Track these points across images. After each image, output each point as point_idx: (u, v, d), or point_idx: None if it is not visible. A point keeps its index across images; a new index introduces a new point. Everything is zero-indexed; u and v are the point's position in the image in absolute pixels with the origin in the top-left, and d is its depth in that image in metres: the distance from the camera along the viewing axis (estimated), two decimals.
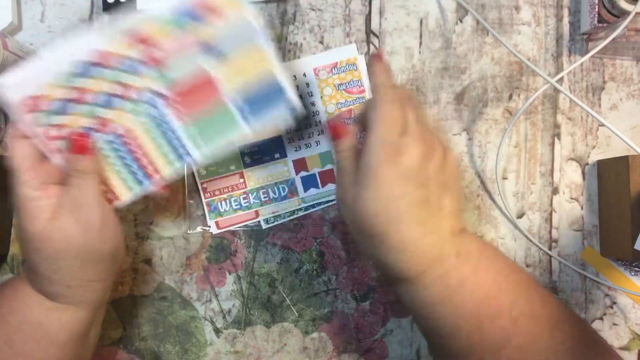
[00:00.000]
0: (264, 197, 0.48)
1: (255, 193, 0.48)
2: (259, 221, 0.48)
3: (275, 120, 0.40)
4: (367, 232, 0.34)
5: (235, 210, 0.48)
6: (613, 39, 0.43)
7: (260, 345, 0.48)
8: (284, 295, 0.49)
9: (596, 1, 0.46)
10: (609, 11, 0.46)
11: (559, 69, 0.50)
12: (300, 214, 0.48)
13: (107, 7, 0.49)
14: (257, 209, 0.48)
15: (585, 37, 0.49)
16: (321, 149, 0.49)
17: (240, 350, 0.48)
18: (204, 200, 0.48)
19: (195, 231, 0.48)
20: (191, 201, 0.48)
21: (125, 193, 0.40)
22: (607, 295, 0.48)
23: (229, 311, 0.48)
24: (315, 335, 0.48)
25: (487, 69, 0.50)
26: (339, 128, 0.37)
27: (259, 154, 0.48)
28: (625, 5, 0.45)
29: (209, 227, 0.48)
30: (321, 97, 0.49)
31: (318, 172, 0.49)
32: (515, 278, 0.36)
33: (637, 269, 0.48)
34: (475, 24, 0.50)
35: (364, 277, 0.49)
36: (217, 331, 0.48)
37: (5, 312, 0.37)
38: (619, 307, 0.48)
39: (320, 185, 0.49)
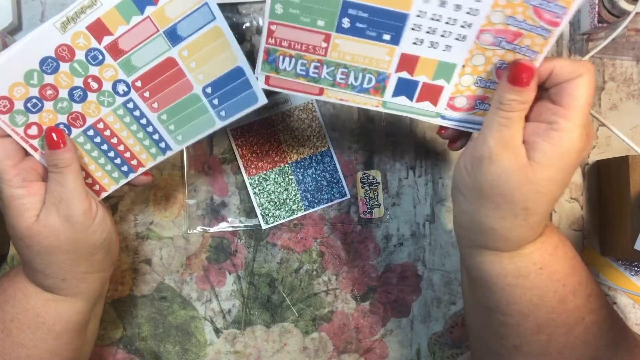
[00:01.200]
0: (341, 78, 0.37)
1: (332, 67, 0.36)
2: (319, 99, 0.38)
3: (244, 111, 0.40)
4: (512, 200, 0.32)
5: (298, 75, 0.37)
6: (613, 39, 0.43)
7: (260, 345, 0.48)
8: (284, 295, 0.49)
9: (596, 1, 0.46)
10: (609, 11, 0.46)
11: None
12: (300, 214, 0.48)
13: None
14: (324, 86, 0.37)
15: (585, 37, 0.49)
16: (448, 57, 0.35)
17: (240, 350, 0.48)
18: (262, 45, 0.36)
19: (195, 231, 0.48)
20: (191, 201, 0.48)
21: (110, 183, 0.41)
22: (607, 295, 0.48)
23: (229, 311, 0.48)
24: (315, 335, 0.48)
25: None
26: (530, 74, 0.31)
27: (364, 22, 0.34)
28: (625, 5, 0.45)
29: (257, 78, 0.37)
30: None
31: (422, 83, 0.36)
32: (580, 260, 0.37)
33: (637, 269, 0.48)
34: None
35: (364, 277, 0.49)
36: (217, 331, 0.48)
37: (2, 301, 0.37)
38: (619, 307, 0.48)
39: (415, 99, 0.37)
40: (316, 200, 0.49)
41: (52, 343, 0.38)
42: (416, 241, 0.49)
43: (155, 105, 0.39)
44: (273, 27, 0.35)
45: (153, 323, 0.48)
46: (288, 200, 0.49)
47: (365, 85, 0.36)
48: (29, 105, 0.37)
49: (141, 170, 0.41)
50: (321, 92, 0.37)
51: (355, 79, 0.36)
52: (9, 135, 0.36)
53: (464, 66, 0.35)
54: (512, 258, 0.34)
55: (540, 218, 0.33)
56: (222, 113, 0.40)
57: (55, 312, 0.37)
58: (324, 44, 0.35)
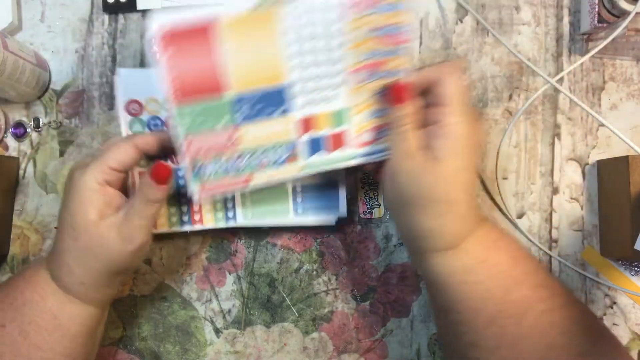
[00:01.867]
0: (262, 159, 0.39)
1: (249, 154, 0.38)
2: (250, 187, 0.39)
3: (321, 217, 0.45)
4: (431, 198, 0.35)
5: (226, 173, 0.38)
6: (613, 39, 0.44)
7: (260, 345, 0.48)
8: (284, 295, 0.49)
9: (596, 1, 0.46)
10: (609, 11, 0.46)
11: (559, 69, 0.50)
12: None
13: (107, 7, 0.49)
14: (251, 172, 0.39)
15: (585, 37, 0.49)
16: (337, 105, 0.38)
17: (240, 350, 0.48)
18: (187, 163, 0.37)
19: (194, 228, 0.48)
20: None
21: (164, 225, 0.43)
22: (607, 295, 0.48)
23: (229, 311, 0.48)
24: (315, 335, 0.48)
25: (487, 69, 0.50)
26: (405, 91, 0.36)
27: (254, 107, 0.37)
28: (625, 5, 0.45)
29: (191, 192, 0.38)
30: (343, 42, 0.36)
31: (329, 135, 0.39)
32: (526, 252, 0.39)
33: (637, 269, 0.48)
34: (475, 24, 0.50)
35: (364, 277, 0.49)
36: (217, 331, 0.48)
37: (19, 303, 0.37)
38: (619, 307, 0.48)
39: (329, 151, 0.39)
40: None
41: (67, 346, 0.38)
42: None
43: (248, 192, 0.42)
44: (189, 141, 0.36)
45: (153, 323, 0.48)
46: None
47: (282, 158, 0.39)
48: (151, 123, 0.42)
49: (198, 227, 0.44)
50: (248, 180, 0.39)
51: (273, 155, 0.39)
52: (137, 149, 0.38)
53: (355, 106, 0.38)
54: (456, 254, 0.36)
55: (466, 207, 0.35)
56: (299, 210, 0.45)
57: (70, 314, 0.38)
58: (233, 137, 0.37)
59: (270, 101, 0.37)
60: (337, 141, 0.40)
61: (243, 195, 0.44)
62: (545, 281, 0.37)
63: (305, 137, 0.39)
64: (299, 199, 0.45)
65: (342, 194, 0.45)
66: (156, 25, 0.33)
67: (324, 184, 0.45)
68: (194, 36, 0.34)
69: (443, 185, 0.34)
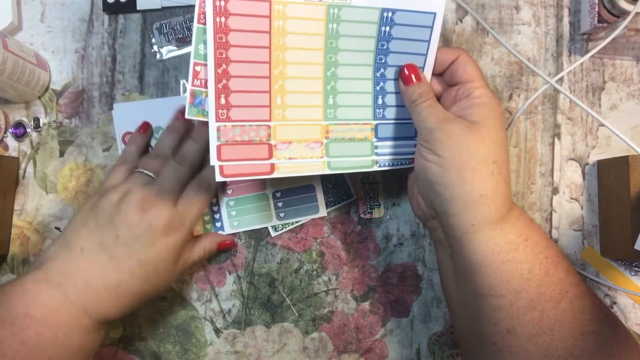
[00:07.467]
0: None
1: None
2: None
3: (303, 218, 0.48)
4: (481, 158, 0.35)
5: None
6: (613, 39, 0.43)
7: (260, 345, 0.48)
8: (284, 295, 0.49)
9: (596, 1, 0.46)
10: (609, 11, 0.46)
11: (559, 69, 0.50)
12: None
13: (107, 7, 0.49)
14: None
15: (585, 37, 0.49)
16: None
17: (240, 350, 0.48)
18: (189, 87, 0.36)
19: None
20: None
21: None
22: (607, 295, 0.48)
23: (229, 311, 0.48)
24: (315, 335, 0.48)
25: (487, 69, 0.50)
26: (414, 71, 0.39)
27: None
28: (625, 5, 0.45)
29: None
30: None
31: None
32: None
33: (637, 269, 0.48)
34: (475, 24, 0.50)
35: (364, 277, 0.49)
36: (217, 331, 0.48)
37: (34, 344, 0.35)
38: (619, 307, 0.48)
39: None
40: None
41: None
42: (416, 241, 0.49)
43: (229, 191, 0.44)
44: (198, 68, 0.36)
45: (153, 323, 0.48)
46: None
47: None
48: None
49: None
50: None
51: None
52: None
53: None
54: (502, 229, 0.35)
55: (505, 168, 0.36)
56: (282, 214, 0.47)
57: (94, 340, 0.39)
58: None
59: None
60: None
61: (228, 206, 0.47)
62: (570, 266, 0.37)
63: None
64: (280, 204, 0.47)
65: (320, 195, 0.47)
66: None
67: (301, 187, 0.48)
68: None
69: (489, 145, 0.35)
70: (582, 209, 0.49)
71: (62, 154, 0.49)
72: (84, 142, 0.49)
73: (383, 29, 0.38)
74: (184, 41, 0.49)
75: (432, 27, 0.39)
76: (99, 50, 0.50)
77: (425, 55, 0.39)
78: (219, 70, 0.35)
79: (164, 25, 0.49)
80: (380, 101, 0.40)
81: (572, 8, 0.50)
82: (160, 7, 0.49)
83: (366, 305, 0.49)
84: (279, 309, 0.49)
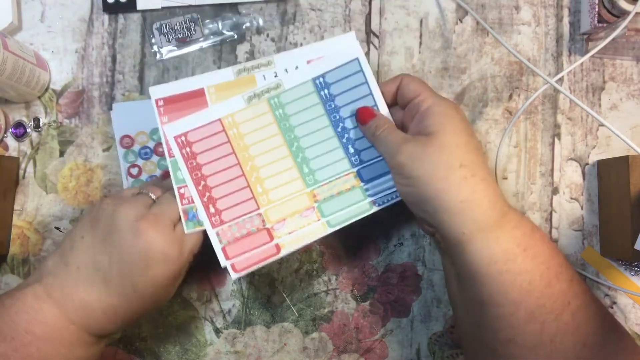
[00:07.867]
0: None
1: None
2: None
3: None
4: (445, 165, 0.35)
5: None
6: (613, 39, 0.43)
7: (260, 345, 0.48)
8: (284, 295, 0.49)
9: (596, 1, 0.46)
10: (609, 11, 0.46)
11: (559, 69, 0.50)
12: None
13: (107, 7, 0.49)
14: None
15: (585, 37, 0.49)
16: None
17: (240, 350, 0.48)
18: (180, 207, 0.40)
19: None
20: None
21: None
22: (607, 295, 0.48)
23: (229, 311, 0.48)
24: (315, 335, 0.48)
25: (487, 69, 0.50)
26: (367, 110, 0.41)
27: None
28: (625, 5, 0.45)
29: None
30: None
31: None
32: (555, 244, 0.39)
33: (637, 269, 0.48)
34: (475, 24, 0.50)
35: (364, 277, 0.49)
36: (217, 331, 0.48)
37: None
38: (619, 307, 0.48)
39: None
40: None
41: None
42: (416, 241, 0.49)
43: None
44: (182, 190, 0.41)
45: (153, 323, 0.48)
46: None
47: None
48: (141, 152, 0.48)
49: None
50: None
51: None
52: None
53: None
54: (498, 239, 0.35)
55: (480, 170, 0.36)
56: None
57: (96, 352, 0.39)
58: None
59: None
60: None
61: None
62: (575, 276, 0.36)
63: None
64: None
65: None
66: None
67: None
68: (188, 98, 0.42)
69: (451, 151, 0.35)
70: (582, 209, 0.49)
71: (62, 154, 0.49)
72: (84, 142, 0.49)
73: (322, 93, 0.42)
74: (184, 41, 0.49)
75: (361, 70, 0.42)
76: (99, 50, 0.50)
77: (371, 93, 0.42)
78: (200, 187, 0.41)
79: (164, 25, 0.49)
80: (351, 149, 0.42)
81: (572, 8, 0.50)
82: (160, 7, 0.49)
83: (366, 305, 0.49)
84: (279, 309, 0.49)
